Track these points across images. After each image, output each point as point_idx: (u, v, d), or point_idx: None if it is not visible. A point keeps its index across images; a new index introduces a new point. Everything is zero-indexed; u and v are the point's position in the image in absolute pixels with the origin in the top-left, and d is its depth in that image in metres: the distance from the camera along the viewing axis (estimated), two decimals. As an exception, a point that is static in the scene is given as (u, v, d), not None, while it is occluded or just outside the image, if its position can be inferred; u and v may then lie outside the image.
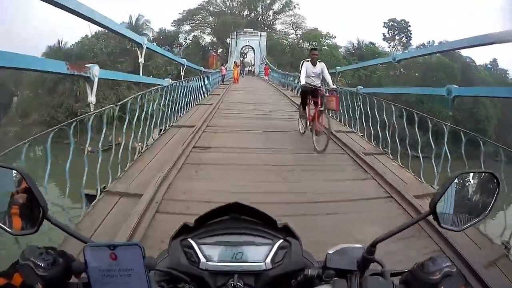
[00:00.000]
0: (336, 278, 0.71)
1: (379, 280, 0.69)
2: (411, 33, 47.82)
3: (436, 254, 0.81)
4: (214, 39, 46.09)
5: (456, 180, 0.75)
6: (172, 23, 44.93)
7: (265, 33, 43.35)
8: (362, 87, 14.00)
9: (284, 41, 45.72)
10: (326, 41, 42.31)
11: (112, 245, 0.61)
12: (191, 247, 0.73)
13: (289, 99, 13.99)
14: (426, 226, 3.01)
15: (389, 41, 48.03)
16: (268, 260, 0.72)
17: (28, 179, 0.69)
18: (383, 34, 47.91)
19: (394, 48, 47.43)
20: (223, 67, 23.92)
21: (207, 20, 45.59)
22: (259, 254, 0.73)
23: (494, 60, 43.62)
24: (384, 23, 47.58)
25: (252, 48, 42.47)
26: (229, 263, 0.72)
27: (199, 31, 45.41)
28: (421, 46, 46.88)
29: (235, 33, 41.42)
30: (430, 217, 0.73)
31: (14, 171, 0.72)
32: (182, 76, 16.72)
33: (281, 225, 0.76)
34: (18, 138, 15.67)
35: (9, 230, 0.71)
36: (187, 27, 45.19)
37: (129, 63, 41.69)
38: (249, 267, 0.71)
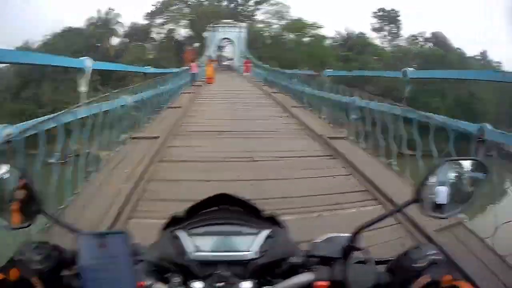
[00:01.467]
0: (319, 266, 0.72)
1: (362, 268, 0.70)
2: (401, 23, 45.94)
3: (423, 243, 0.80)
4: (191, 32, 42.58)
5: (441, 167, 0.74)
6: (145, 16, 41.32)
7: (246, 24, 40.01)
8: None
9: (266, 32, 42.35)
10: (313, 32, 39.13)
11: (101, 233, 0.64)
12: (179, 238, 0.73)
13: (301, 122, 8.06)
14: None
15: (378, 32, 45.78)
16: (255, 249, 0.72)
17: (25, 176, 0.75)
18: (372, 24, 45.77)
19: (383, 39, 44.85)
20: (193, 64, 19.38)
21: (183, 11, 41.88)
22: (246, 244, 0.73)
23: (484, 52, 42.90)
24: (373, 13, 45.56)
25: (232, 41, 39.19)
26: (216, 253, 0.72)
27: (173, 23, 41.77)
28: (412, 37, 45.72)
29: (212, 25, 38.01)
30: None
31: (13, 169, 0.77)
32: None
33: (267, 215, 0.77)
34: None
35: (6, 224, 0.74)
36: (160, 20, 41.55)
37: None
38: (236, 256, 0.72)
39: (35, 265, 0.66)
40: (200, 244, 0.72)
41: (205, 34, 38.70)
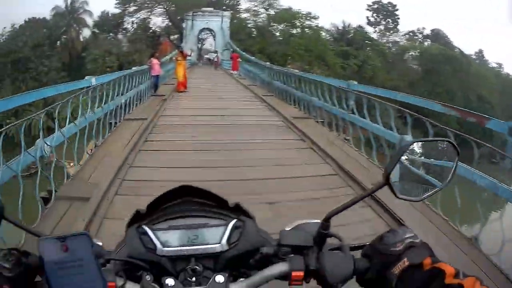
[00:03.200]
0: (292, 255, 0.69)
1: (338, 255, 0.68)
2: (398, 18, 43.41)
3: (399, 226, 0.80)
4: (168, 22, 38.45)
5: (410, 148, 0.71)
6: (116, 4, 36.86)
7: (229, 12, 36.08)
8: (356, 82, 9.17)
9: (251, 22, 38.44)
10: (307, 23, 35.28)
11: (62, 236, 0.61)
12: (146, 233, 0.70)
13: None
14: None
15: (374, 26, 42.97)
16: (224, 241, 0.69)
17: None
18: (367, 17, 42.82)
19: (379, 34, 41.91)
20: (154, 61, 11.82)
21: (158, -3, 37.55)
22: (214, 236, 0.70)
23: (480, 51, 42.68)
24: (368, 5, 42.60)
25: (213, 32, 35.32)
26: (185, 247, 0.69)
27: (147, 11, 37.49)
28: (411, 33, 43.88)
29: (191, 13, 33.99)
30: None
31: None
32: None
33: (233, 205, 0.74)
34: None
35: None
36: (133, 8, 37.14)
37: (62, 56, 34.12)
38: (205, 249, 0.69)
39: (6, 272, 0.63)
40: (168, 239, 0.69)
41: (183, 24, 34.69)
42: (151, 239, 0.69)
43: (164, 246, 0.68)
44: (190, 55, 18.13)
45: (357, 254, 0.69)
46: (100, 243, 0.70)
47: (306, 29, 35.19)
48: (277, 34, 36.59)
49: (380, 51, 38.62)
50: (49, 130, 4.67)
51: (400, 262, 0.61)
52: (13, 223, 0.71)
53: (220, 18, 34.32)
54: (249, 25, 38.01)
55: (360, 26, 40.18)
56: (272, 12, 38.09)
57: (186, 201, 0.74)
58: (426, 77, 35.40)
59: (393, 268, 0.62)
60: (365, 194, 0.70)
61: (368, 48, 37.44)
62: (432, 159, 0.76)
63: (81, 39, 34.60)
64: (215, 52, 30.27)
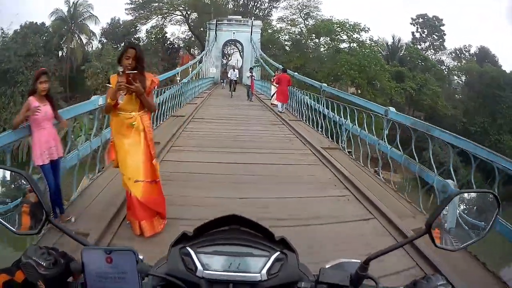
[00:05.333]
0: None
1: None
2: (444, 34, 37.88)
3: (431, 273, 0.75)
4: (188, 32, 32.63)
5: (454, 199, 0.73)
6: (127, 9, 31.22)
7: (260, 22, 29.94)
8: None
9: (285, 34, 32.14)
10: (355, 35, 28.46)
11: (108, 249, 0.65)
12: (189, 255, 0.72)
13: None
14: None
15: (419, 43, 37.27)
16: (264, 271, 0.71)
17: (33, 184, 0.74)
18: (412, 33, 37.38)
19: (425, 52, 35.80)
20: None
21: (176, 2, 31.56)
22: (255, 265, 0.72)
23: None
24: (412, 19, 37.33)
25: (240, 44, 29.18)
26: (225, 272, 0.71)
27: (162, 18, 31.66)
28: (457, 51, 38.52)
29: (214, 22, 27.88)
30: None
31: (22, 176, 0.76)
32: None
33: (278, 238, 0.76)
34: None
35: (13, 229, 0.75)
36: (147, 14, 31.32)
37: (59, 68, 28.54)
38: (245, 277, 0.71)
39: (42, 269, 0.67)
40: (210, 263, 0.71)
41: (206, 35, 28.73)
42: (193, 260, 0.70)
43: (205, 269, 0.69)
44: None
45: None
46: (142, 257, 0.69)
47: (354, 44, 28.57)
48: (319, 49, 30.08)
49: (439, 73, 31.94)
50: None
51: None
52: (60, 228, 0.75)
53: (249, 28, 28.23)
54: (282, 38, 31.71)
55: (413, 43, 33.79)
56: (310, 22, 31.80)
57: (233, 229, 0.76)
58: (483, 104, 29.49)
59: None
60: (405, 241, 0.74)
61: (422, 70, 30.95)
62: (473, 210, 0.76)
63: (84, 49, 28.92)
64: (250, 69, 17.93)
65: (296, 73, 14.04)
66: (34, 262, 0.66)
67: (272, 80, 13.85)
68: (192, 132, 7.73)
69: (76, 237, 0.75)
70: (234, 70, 18.19)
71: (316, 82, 10.62)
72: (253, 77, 16.48)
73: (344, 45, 28.86)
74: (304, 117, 10.18)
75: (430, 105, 28.35)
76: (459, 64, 36.78)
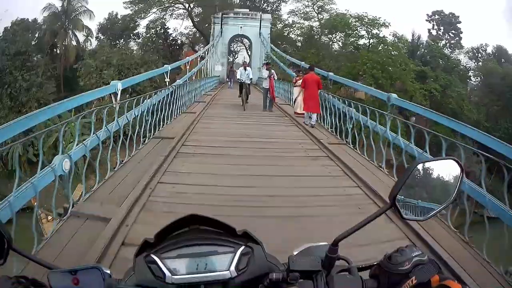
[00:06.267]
0: (301, 280, 0.70)
1: (346, 277, 0.69)
2: (461, 32, 35.45)
3: (405, 245, 0.74)
4: (192, 28, 30.18)
5: (414, 170, 0.72)
6: (125, 2, 28.76)
7: (270, 15, 27.33)
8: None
9: (297, 29, 29.51)
10: (374, 31, 25.67)
11: (73, 270, 0.65)
12: (155, 262, 0.71)
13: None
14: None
15: (436, 41, 34.31)
16: (232, 267, 0.70)
17: None
18: (429, 30, 34.92)
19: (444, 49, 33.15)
20: None
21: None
22: (222, 263, 0.71)
23: None
24: (428, 15, 35.01)
25: (248, 40, 26.69)
26: (194, 275, 0.70)
27: (164, 11, 29.19)
28: (474, 50, 35.76)
29: (220, 15, 25.36)
30: None
31: None
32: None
33: (240, 232, 0.75)
34: None
35: None
36: (147, 8, 28.87)
37: (52, 67, 26.30)
38: (214, 276, 0.70)
39: None
40: (177, 267, 0.70)
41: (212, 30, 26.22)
42: (159, 268, 0.69)
43: (173, 274, 0.68)
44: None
45: (366, 274, 0.68)
46: (109, 272, 0.69)
47: (373, 40, 25.87)
48: (334, 45, 27.46)
49: (463, 74, 29.30)
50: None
51: (409, 281, 0.62)
52: (22, 254, 0.73)
53: (258, 22, 25.75)
54: (293, 33, 29.13)
55: (434, 40, 31.12)
56: (325, 15, 29.06)
57: (193, 229, 0.75)
58: (506, 107, 26.60)
59: (402, 286, 0.62)
60: (371, 218, 0.70)
61: (443, 69, 28.32)
62: (437, 177, 0.74)
63: (79, 46, 26.71)
64: (266, 64, 12.98)
65: (331, 73, 11.08)
66: None
67: (294, 81, 10.87)
68: (174, 188, 4.03)
69: (41, 261, 0.75)
70: (246, 69, 11.77)
71: (380, 91, 7.78)
72: (272, 77, 11.23)
73: (362, 42, 26.16)
74: (347, 136, 6.80)
75: (454, 108, 25.62)
76: (475, 63, 34.41)
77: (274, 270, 0.72)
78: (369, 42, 25.96)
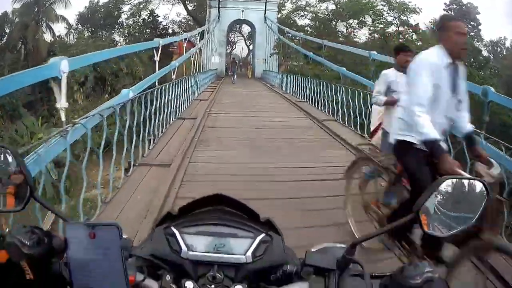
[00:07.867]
0: (314, 276, 0.70)
1: (357, 281, 0.69)
2: (480, 24, 32.83)
3: (418, 259, 0.83)
4: (186, 15, 26.18)
5: (442, 185, 0.71)
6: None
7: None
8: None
9: (308, 13, 25.35)
10: (403, 17, 21.71)
11: (91, 224, 0.64)
12: (174, 235, 0.72)
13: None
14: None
15: None
16: (249, 253, 0.71)
17: (17, 158, 0.72)
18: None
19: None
20: None
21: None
22: (240, 247, 0.71)
23: None
24: (446, 5, 31.68)
25: (251, 26, 22.66)
26: (210, 254, 0.71)
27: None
28: (492, 44, 33.50)
29: (217, -1, 21.33)
30: None
31: (5, 150, 0.73)
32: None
33: (264, 219, 0.76)
34: None
35: None
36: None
37: (23, 65, 22.72)
38: (229, 259, 0.70)
39: (25, 249, 0.64)
40: (194, 244, 0.71)
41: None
42: (177, 241, 0.70)
43: (189, 250, 0.69)
44: None
45: (377, 283, 0.69)
46: (126, 237, 0.67)
47: (401, 28, 21.74)
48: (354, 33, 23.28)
49: (494, 70, 25.55)
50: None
51: None
52: (42, 204, 0.73)
53: (262, 5, 21.65)
54: (305, 18, 24.94)
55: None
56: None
57: (218, 209, 0.75)
58: None
59: None
60: (392, 226, 0.71)
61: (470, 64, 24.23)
62: (461, 196, 0.74)
63: (55, 39, 22.90)
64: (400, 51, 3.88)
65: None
66: (18, 241, 0.64)
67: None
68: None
69: (59, 213, 0.74)
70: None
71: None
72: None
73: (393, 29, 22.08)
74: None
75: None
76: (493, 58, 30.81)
77: (289, 262, 0.71)
78: (397, 30, 21.87)
